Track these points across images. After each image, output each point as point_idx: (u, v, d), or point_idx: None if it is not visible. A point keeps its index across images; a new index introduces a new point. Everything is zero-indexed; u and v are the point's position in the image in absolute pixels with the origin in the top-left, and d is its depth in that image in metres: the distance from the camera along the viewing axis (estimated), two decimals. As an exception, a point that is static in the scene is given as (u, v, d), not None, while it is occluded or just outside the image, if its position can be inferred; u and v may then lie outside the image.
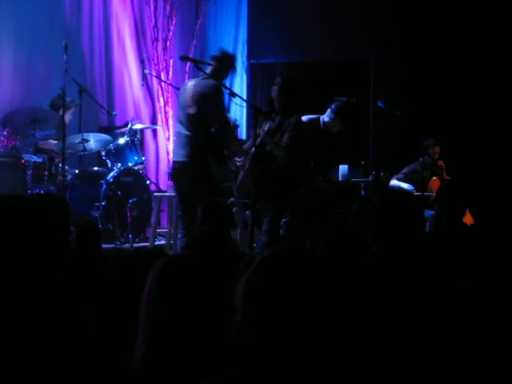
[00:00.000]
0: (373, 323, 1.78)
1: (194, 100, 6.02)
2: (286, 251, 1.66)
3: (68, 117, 7.40)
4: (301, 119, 6.49)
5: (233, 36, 10.48)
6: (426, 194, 7.46)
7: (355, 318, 1.87)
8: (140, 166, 7.71)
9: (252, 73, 10.26)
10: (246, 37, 10.42)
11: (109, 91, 9.04)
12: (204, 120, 6.01)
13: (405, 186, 7.87)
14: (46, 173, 6.91)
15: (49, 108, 7.45)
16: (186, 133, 6.06)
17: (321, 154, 6.93)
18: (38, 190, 6.85)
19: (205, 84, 6.02)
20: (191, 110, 6.02)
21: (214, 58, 6.16)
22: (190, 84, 6.18)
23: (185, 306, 1.95)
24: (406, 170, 8.08)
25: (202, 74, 6.08)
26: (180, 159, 6.10)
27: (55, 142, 7.34)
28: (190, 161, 6.01)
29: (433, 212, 6.95)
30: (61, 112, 7.10)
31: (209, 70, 6.06)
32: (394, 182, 7.95)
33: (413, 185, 7.90)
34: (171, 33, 9.45)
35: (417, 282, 2.60)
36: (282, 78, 6.65)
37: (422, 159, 7.88)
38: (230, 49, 10.38)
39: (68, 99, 7.15)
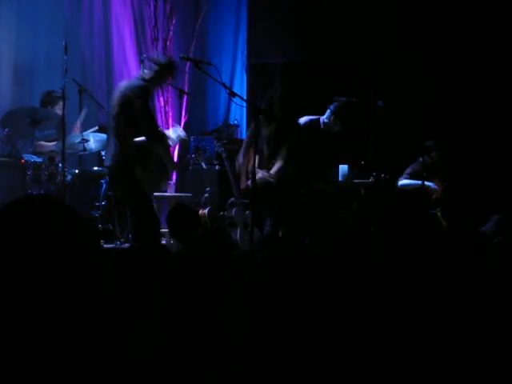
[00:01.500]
0: (372, 323, 1.78)
1: (118, 101, 5.86)
2: (285, 252, 1.67)
3: (60, 111, 7.37)
4: (300, 131, 6.52)
5: (233, 36, 10.48)
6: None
7: (355, 317, 1.87)
8: (140, 166, 7.68)
9: (252, 73, 10.26)
10: (245, 37, 10.41)
11: (109, 91, 9.04)
12: (128, 122, 5.80)
13: (426, 183, 7.74)
14: (46, 173, 6.91)
15: (40, 106, 7.42)
16: (112, 136, 5.98)
17: (320, 155, 6.95)
18: (37, 190, 6.84)
19: (132, 85, 5.87)
20: (114, 111, 5.89)
21: (157, 63, 6.00)
22: (121, 85, 6.04)
23: (181, 304, 1.95)
24: (408, 170, 8.05)
25: (137, 76, 6.07)
26: (108, 163, 6.03)
27: (49, 143, 7.32)
28: (117, 163, 5.89)
29: (433, 212, 6.96)
30: (49, 108, 7.08)
31: (148, 74, 5.97)
32: (407, 181, 7.83)
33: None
34: (171, 33, 9.45)
35: (417, 281, 2.60)
36: (282, 84, 6.62)
37: (421, 159, 7.86)
38: (229, 49, 10.42)
39: (56, 94, 7.11)
